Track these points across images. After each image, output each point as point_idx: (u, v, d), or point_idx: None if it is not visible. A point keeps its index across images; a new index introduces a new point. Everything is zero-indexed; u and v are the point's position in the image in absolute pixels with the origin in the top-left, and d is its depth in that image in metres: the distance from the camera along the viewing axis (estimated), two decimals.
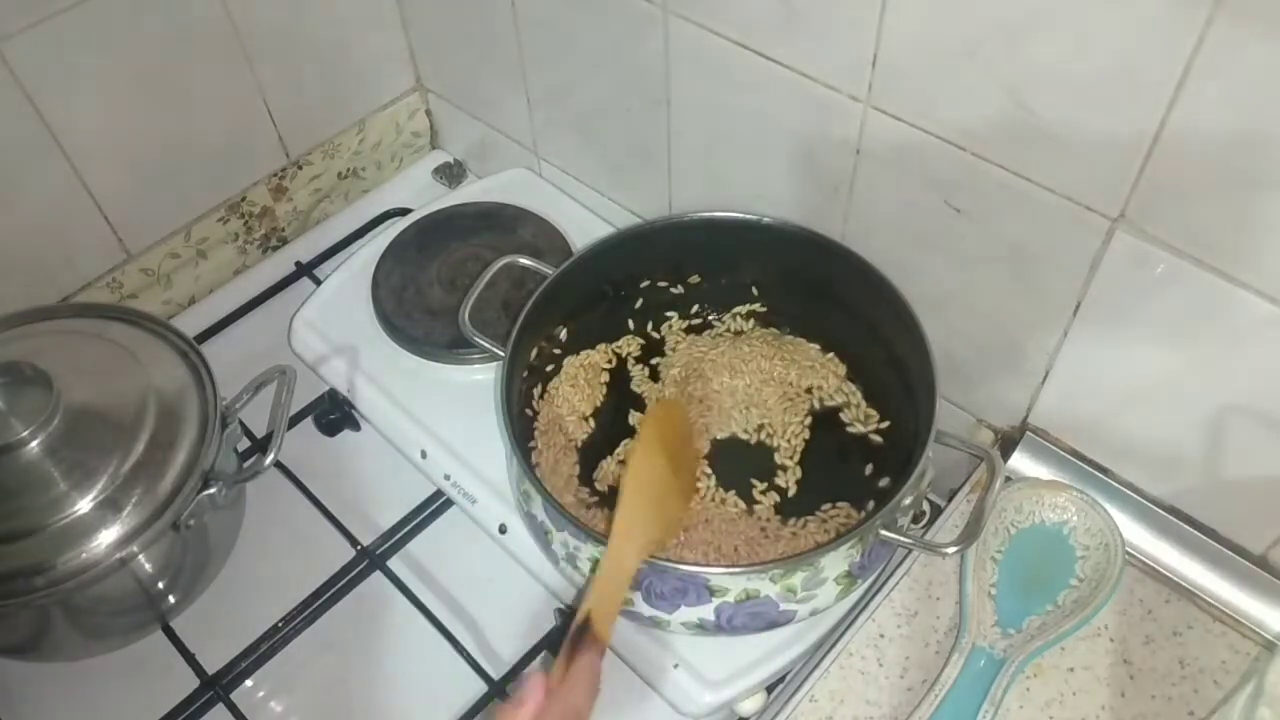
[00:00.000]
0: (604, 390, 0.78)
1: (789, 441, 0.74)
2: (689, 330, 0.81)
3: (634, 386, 0.78)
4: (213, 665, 0.73)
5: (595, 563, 0.62)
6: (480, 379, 0.82)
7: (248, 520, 0.81)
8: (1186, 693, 0.62)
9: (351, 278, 0.90)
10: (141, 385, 0.70)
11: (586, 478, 0.73)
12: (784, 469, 0.73)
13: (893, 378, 0.72)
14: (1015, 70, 0.56)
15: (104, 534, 0.66)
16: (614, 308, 0.81)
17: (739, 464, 0.73)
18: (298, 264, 0.98)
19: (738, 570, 0.60)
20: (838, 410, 0.76)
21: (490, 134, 1.01)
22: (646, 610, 0.62)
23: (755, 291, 0.81)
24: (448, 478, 0.78)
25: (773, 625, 0.63)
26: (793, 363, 0.77)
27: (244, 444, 0.84)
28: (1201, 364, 0.60)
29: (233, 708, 0.71)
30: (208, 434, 0.71)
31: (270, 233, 1.00)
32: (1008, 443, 0.74)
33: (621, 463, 0.73)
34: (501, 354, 0.70)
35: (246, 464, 0.81)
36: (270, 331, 0.91)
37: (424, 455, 0.79)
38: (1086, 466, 0.70)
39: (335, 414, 0.86)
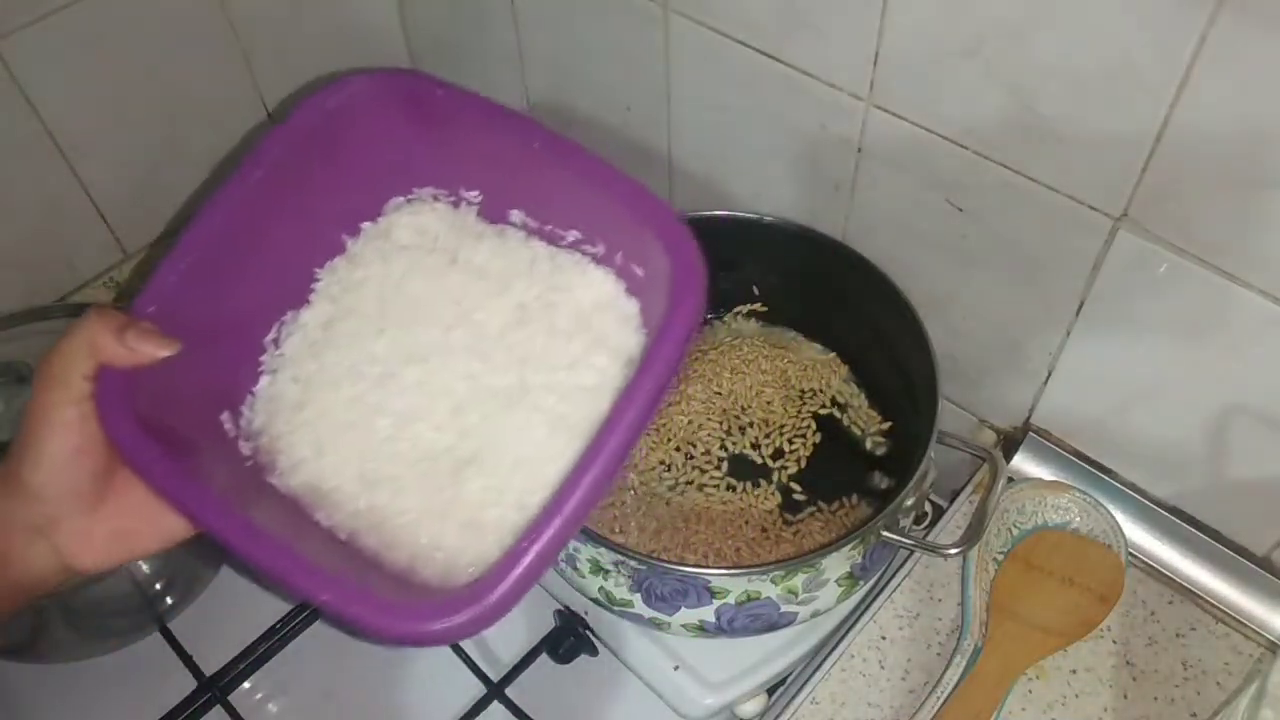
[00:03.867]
0: None
1: (790, 443, 0.74)
2: None
3: None
4: (211, 667, 0.73)
5: (594, 563, 0.62)
6: None
7: None
8: (1189, 694, 0.62)
9: None
10: None
11: None
12: (785, 470, 0.73)
13: (894, 378, 0.72)
14: (1017, 68, 0.55)
15: None
16: None
17: (740, 465, 0.73)
18: None
19: (739, 572, 0.59)
20: (839, 411, 0.76)
21: None
22: (647, 612, 0.62)
23: (756, 291, 0.81)
24: None
25: (774, 627, 0.62)
26: (794, 363, 0.77)
27: None
28: (1204, 364, 0.60)
29: (230, 709, 0.71)
30: None
31: None
32: (1010, 443, 0.73)
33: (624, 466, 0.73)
34: None
35: None
36: None
37: None
38: (1089, 467, 0.70)
39: None
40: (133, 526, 0.42)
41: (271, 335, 0.48)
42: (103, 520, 0.42)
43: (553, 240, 0.50)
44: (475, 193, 0.50)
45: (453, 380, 0.46)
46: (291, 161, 0.47)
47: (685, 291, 0.42)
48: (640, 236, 0.45)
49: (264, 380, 0.47)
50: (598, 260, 0.48)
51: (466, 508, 0.44)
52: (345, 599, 0.38)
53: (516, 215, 0.50)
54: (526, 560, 0.37)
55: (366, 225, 0.50)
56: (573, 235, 0.49)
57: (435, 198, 0.51)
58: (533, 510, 0.42)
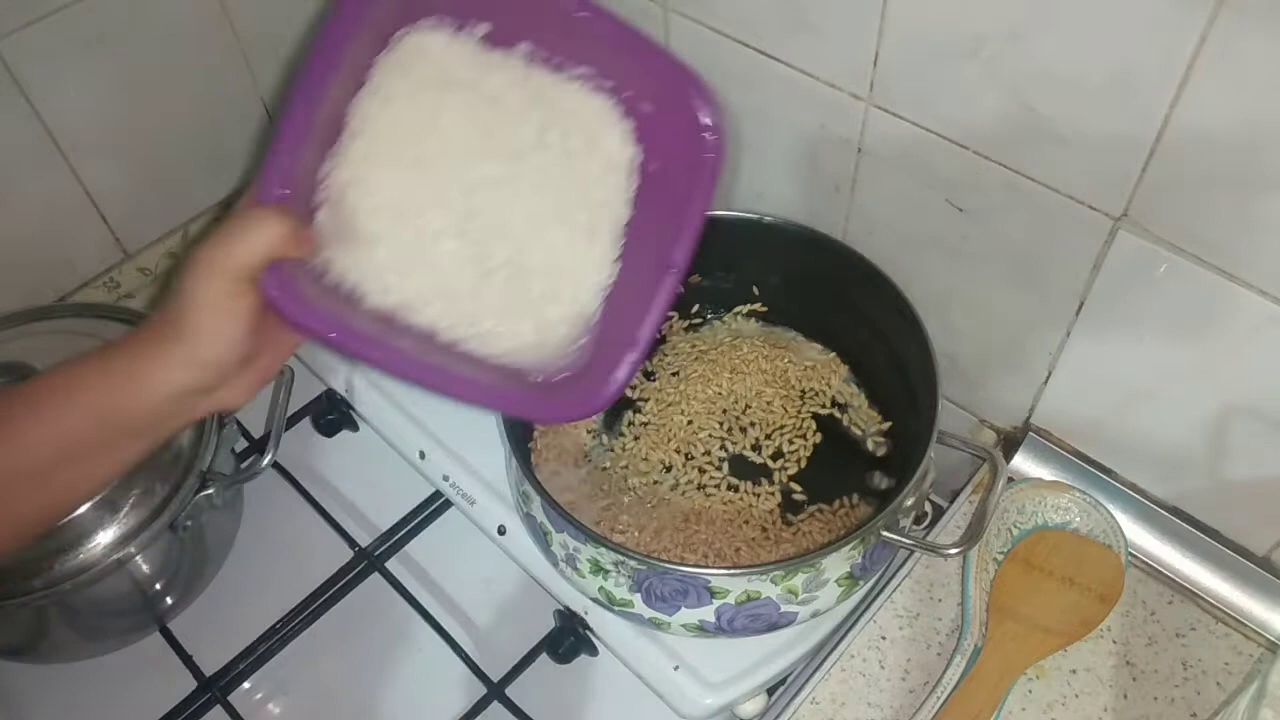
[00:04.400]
0: None
1: (791, 443, 0.74)
2: (689, 329, 0.81)
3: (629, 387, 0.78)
4: (210, 667, 0.73)
5: (594, 563, 0.62)
6: None
7: (245, 521, 0.81)
8: (1189, 694, 0.62)
9: None
10: None
11: (586, 478, 0.73)
12: (785, 470, 0.73)
13: (895, 378, 0.72)
14: (1018, 69, 0.55)
15: (101, 535, 0.65)
16: None
17: (740, 465, 0.73)
18: None
19: (739, 572, 0.59)
20: (839, 411, 0.76)
21: None
22: (647, 612, 0.62)
23: (756, 291, 0.81)
24: (446, 479, 0.77)
25: (774, 627, 0.62)
26: (794, 363, 0.77)
27: (241, 444, 0.84)
28: (1204, 364, 0.60)
29: (230, 709, 0.71)
30: (205, 434, 0.71)
31: None
32: (1010, 443, 0.73)
33: (625, 466, 0.73)
34: None
35: (244, 465, 0.81)
36: None
37: (423, 456, 0.78)
38: (1089, 467, 0.70)
39: (333, 414, 0.85)
40: (271, 363, 0.49)
41: (322, 173, 0.49)
42: (252, 369, 0.47)
43: (558, 70, 0.52)
44: (485, 25, 0.51)
45: (497, 205, 0.50)
46: (354, 24, 0.48)
47: (709, 113, 0.50)
48: (654, 79, 0.51)
49: (321, 216, 0.49)
50: (604, 91, 0.52)
51: (534, 309, 0.51)
52: (508, 400, 0.51)
53: (524, 46, 0.52)
54: (641, 346, 0.50)
55: (379, 57, 0.51)
56: (583, 70, 0.52)
57: (438, 23, 0.52)
58: (589, 304, 0.52)
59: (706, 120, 0.51)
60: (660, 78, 0.51)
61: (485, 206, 0.50)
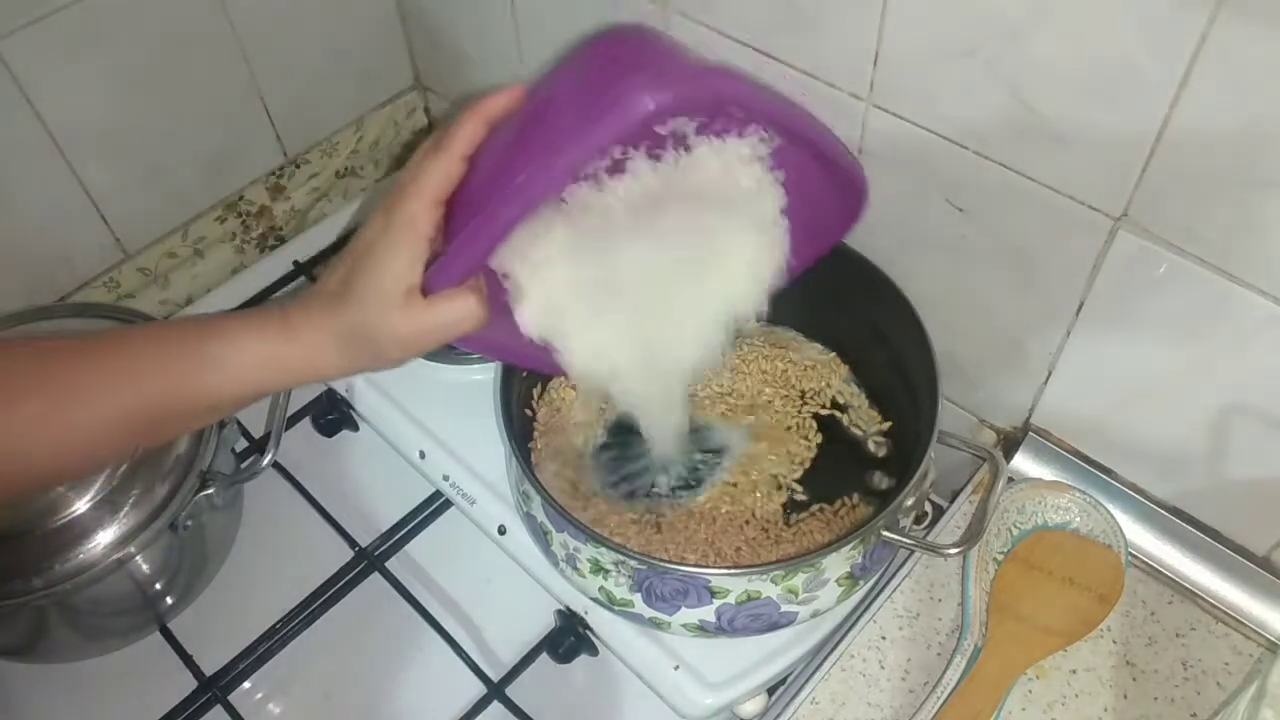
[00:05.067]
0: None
1: (790, 443, 0.74)
2: None
3: None
4: (211, 667, 0.73)
5: (594, 563, 0.62)
6: (479, 379, 0.82)
7: (246, 521, 0.81)
8: (1189, 694, 0.62)
9: None
10: None
11: (586, 477, 0.73)
12: (786, 470, 0.73)
13: (895, 378, 0.72)
14: (1017, 68, 0.55)
15: (101, 535, 0.65)
16: None
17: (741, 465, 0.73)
18: (295, 263, 0.97)
19: (739, 571, 0.59)
20: (840, 411, 0.76)
21: None
22: (647, 611, 0.62)
23: None
24: (446, 478, 0.77)
25: (774, 627, 0.62)
26: (794, 363, 0.77)
27: (242, 444, 0.84)
28: (1205, 364, 0.60)
29: (231, 709, 0.71)
30: (205, 434, 0.71)
31: (268, 232, 1.00)
32: (1010, 443, 0.73)
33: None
34: None
35: (244, 465, 0.81)
36: None
37: (423, 456, 0.78)
38: (1089, 467, 0.70)
39: (333, 414, 0.85)
40: None
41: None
42: None
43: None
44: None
45: (647, 281, 0.56)
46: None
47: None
48: (816, 158, 0.56)
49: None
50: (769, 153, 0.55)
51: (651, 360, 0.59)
52: None
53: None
54: None
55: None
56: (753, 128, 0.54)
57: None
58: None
59: (857, 210, 0.60)
60: (825, 161, 0.56)
61: (639, 284, 0.56)
